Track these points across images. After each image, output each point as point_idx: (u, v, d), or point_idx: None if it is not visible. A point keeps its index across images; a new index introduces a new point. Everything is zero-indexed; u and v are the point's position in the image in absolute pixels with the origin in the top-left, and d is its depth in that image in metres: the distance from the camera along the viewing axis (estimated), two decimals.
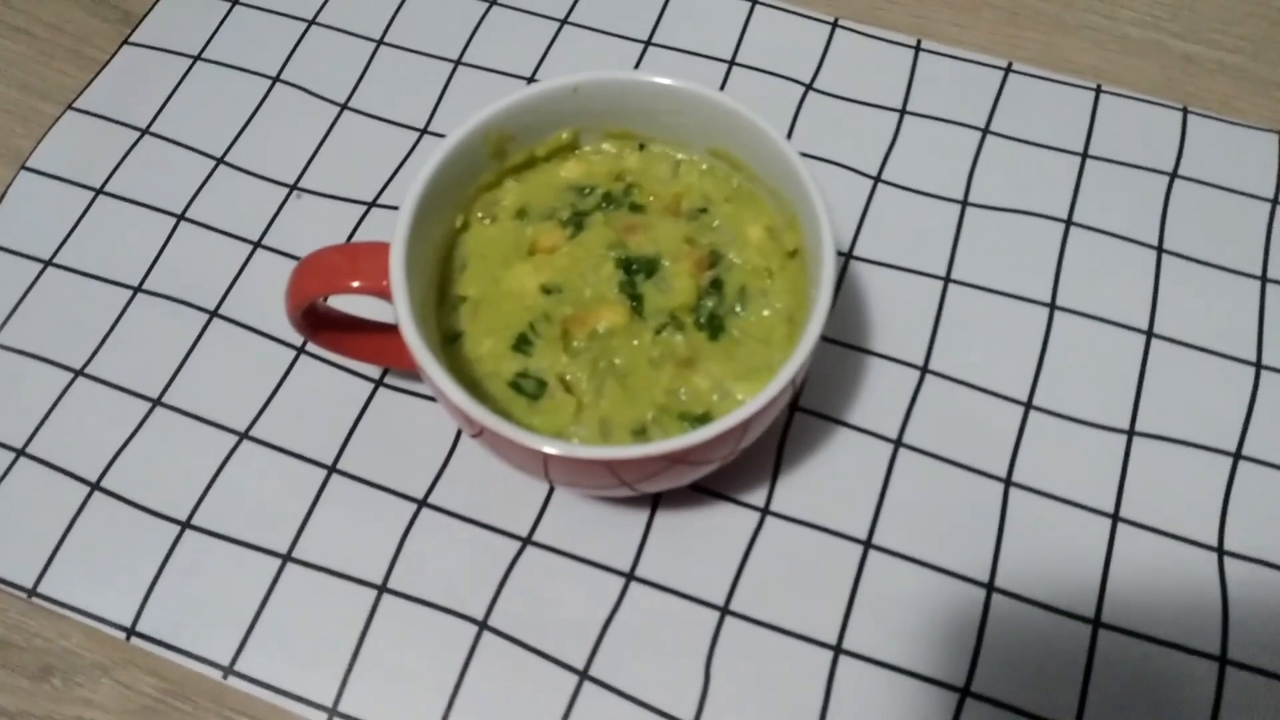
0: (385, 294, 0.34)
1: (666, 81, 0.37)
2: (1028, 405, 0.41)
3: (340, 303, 0.38)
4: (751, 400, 0.32)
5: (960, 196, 0.46)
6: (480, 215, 0.39)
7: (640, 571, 0.39)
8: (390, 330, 0.40)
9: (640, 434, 0.35)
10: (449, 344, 0.37)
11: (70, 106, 0.50)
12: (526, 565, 0.39)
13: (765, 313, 0.36)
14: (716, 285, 0.37)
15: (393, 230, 0.34)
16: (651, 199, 0.39)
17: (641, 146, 0.40)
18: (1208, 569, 0.38)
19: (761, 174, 0.37)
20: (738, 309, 0.37)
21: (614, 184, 0.39)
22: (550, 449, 0.31)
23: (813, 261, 0.35)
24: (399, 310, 0.33)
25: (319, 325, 0.38)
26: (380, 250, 0.34)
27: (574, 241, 0.38)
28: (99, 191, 0.47)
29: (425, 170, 0.35)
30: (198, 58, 0.51)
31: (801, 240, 0.36)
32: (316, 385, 0.42)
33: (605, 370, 0.36)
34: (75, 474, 0.41)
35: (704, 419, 0.35)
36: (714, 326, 0.36)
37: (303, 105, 0.49)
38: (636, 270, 0.37)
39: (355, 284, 0.35)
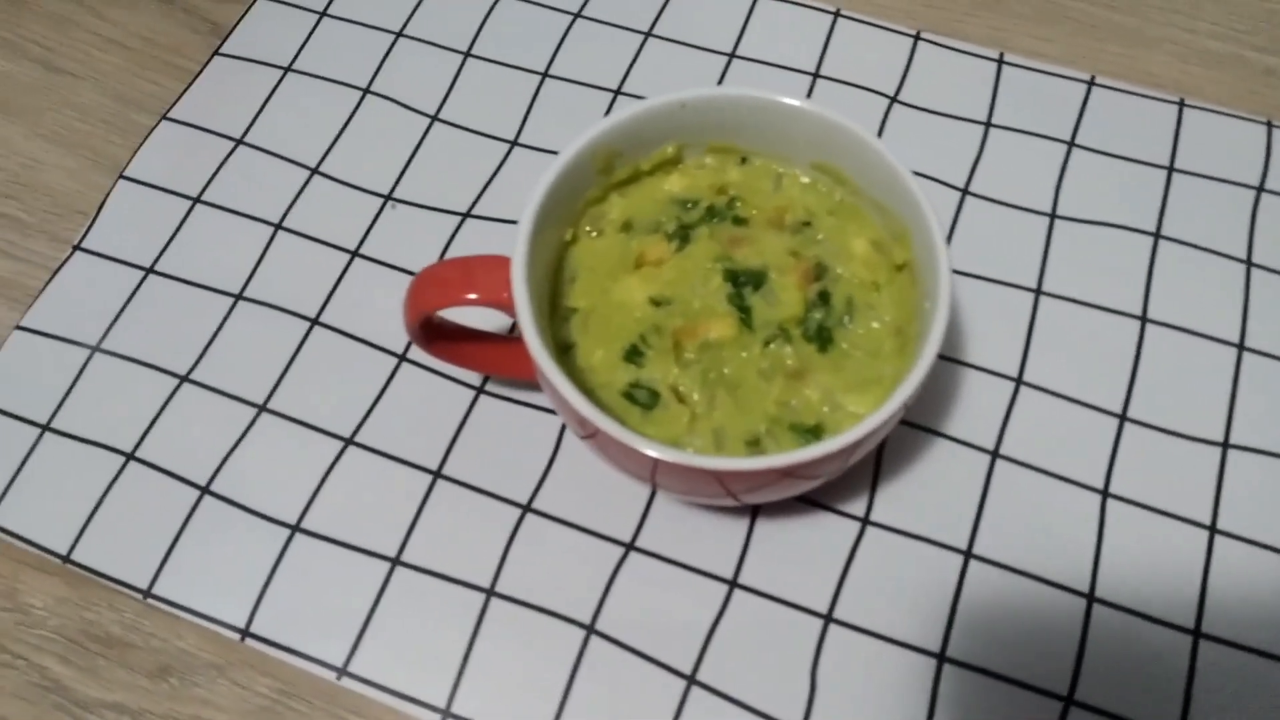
0: (503, 305, 0.35)
1: (773, 97, 0.38)
2: (1122, 417, 0.42)
3: (452, 313, 0.39)
4: (870, 416, 0.32)
5: (1048, 209, 0.46)
6: (588, 229, 0.39)
7: (743, 579, 0.39)
8: (499, 340, 0.41)
9: (754, 444, 0.35)
10: (561, 355, 0.37)
11: (165, 117, 0.51)
12: (630, 570, 0.40)
13: (874, 325, 0.37)
14: (824, 298, 0.38)
15: (499, 242, 0.36)
16: (754, 212, 0.40)
17: (743, 160, 0.40)
18: None
19: (866, 188, 0.38)
20: (846, 321, 0.37)
21: (717, 197, 0.40)
22: (664, 455, 0.32)
23: (924, 274, 0.35)
24: (522, 320, 0.34)
25: (434, 336, 0.38)
26: (495, 263, 0.35)
27: (680, 254, 0.38)
28: (196, 200, 0.48)
29: (540, 186, 0.36)
30: (288, 69, 0.52)
31: (910, 254, 0.37)
32: (419, 392, 0.43)
33: (716, 381, 0.36)
34: (185, 478, 0.42)
35: (815, 430, 0.35)
36: (822, 339, 0.37)
37: (393, 116, 0.50)
38: (744, 282, 0.38)
39: (472, 296, 0.35)
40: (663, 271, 0.38)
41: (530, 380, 0.40)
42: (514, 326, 0.44)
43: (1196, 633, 0.38)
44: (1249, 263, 0.45)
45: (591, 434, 0.34)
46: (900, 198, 0.36)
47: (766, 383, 0.36)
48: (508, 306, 0.35)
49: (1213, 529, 0.40)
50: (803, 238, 0.39)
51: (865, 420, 0.32)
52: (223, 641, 0.40)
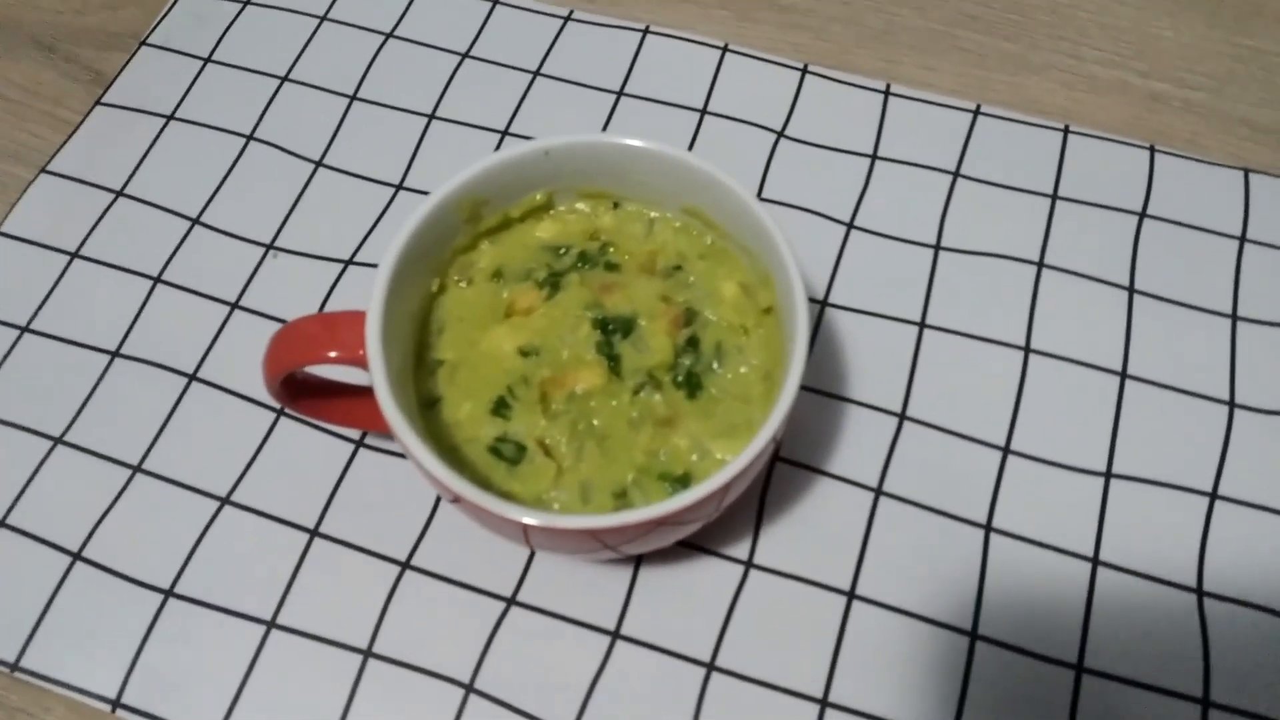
0: (362, 363, 0.34)
1: (636, 143, 0.37)
2: (1005, 450, 0.42)
3: (319, 367, 0.38)
4: (733, 461, 0.32)
5: (933, 241, 0.46)
6: (456, 278, 0.39)
7: (626, 629, 0.39)
8: (370, 394, 0.39)
9: (621, 496, 0.35)
10: (428, 409, 0.37)
11: (43, 169, 0.50)
12: (512, 626, 0.39)
13: (742, 369, 0.37)
14: (693, 343, 0.37)
15: (369, 295, 0.34)
16: (626, 257, 0.39)
17: (615, 205, 0.40)
18: (1188, 610, 0.39)
19: (733, 232, 0.38)
20: (715, 366, 0.37)
21: (589, 243, 0.40)
22: (529, 519, 0.32)
23: (786, 319, 0.35)
24: (375, 380, 0.33)
25: (297, 393, 0.38)
26: (356, 319, 0.35)
27: (550, 302, 0.38)
28: (74, 255, 0.47)
29: (398, 239, 0.35)
30: (171, 117, 0.51)
31: (775, 297, 0.36)
32: (297, 448, 0.42)
33: (584, 432, 0.36)
34: (56, 544, 0.41)
35: (684, 479, 0.35)
36: (692, 385, 0.37)
37: (277, 163, 0.49)
38: (613, 330, 0.37)
39: (333, 354, 0.35)
40: (532, 321, 0.38)
41: None
42: None
43: (1079, 667, 0.38)
44: (1131, 289, 0.45)
45: (454, 498, 0.33)
46: (761, 241, 0.36)
47: (635, 432, 0.36)
48: (366, 364, 0.34)
49: (1095, 560, 0.39)
50: (674, 282, 0.38)
51: (729, 464, 0.32)
52: (93, 714, 0.38)
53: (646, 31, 0.53)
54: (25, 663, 0.39)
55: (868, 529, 0.40)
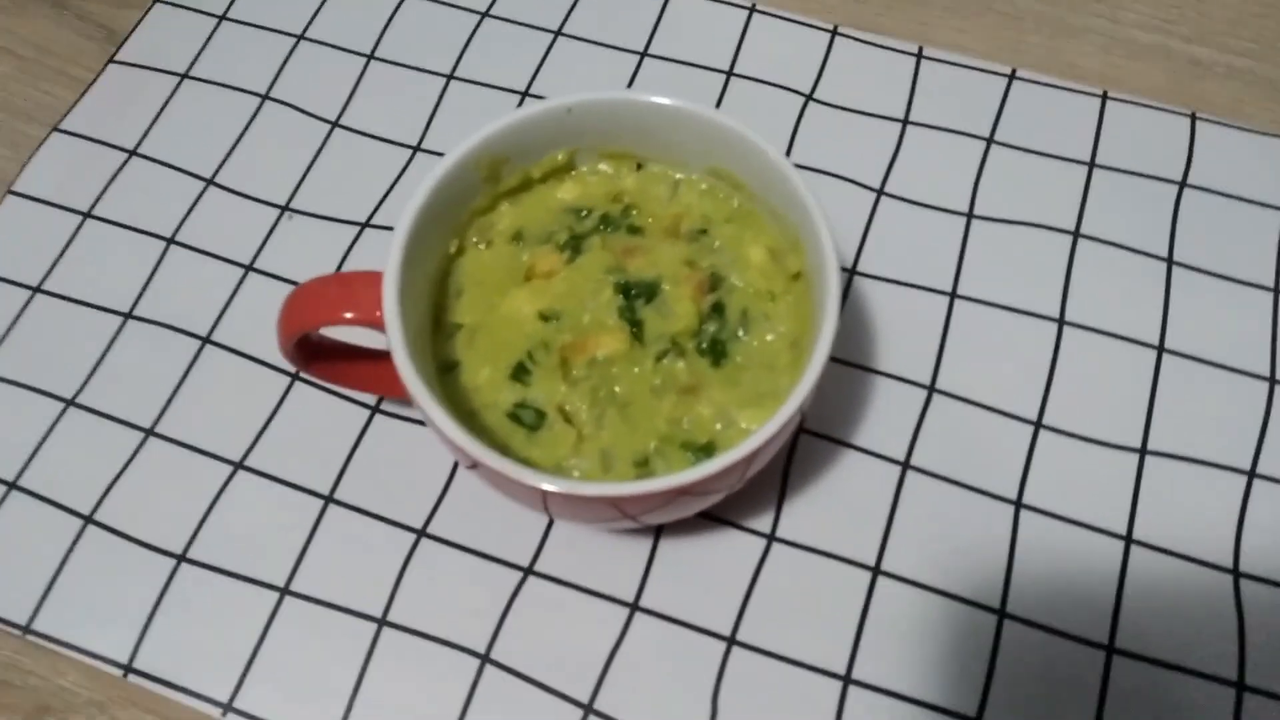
0: (379, 324, 0.33)
1: (662, 101, 0.36)
2: (1038, 424, 0.40)
3: (334, 331, 0.37)
4: (758, 431, 0.31)
5: (965, 209, 0.45)
6: (475, 240, 0.38)
7: (645, 601, 0.38)
8: (386, 358, 0.39)
9: (643, 465, 0.34)
10: (445, 373, 0.36)
11: (56, 128, 0.49)
12: (528, 596, 0.38)
13: (769, 337, 0.36)
14: (718, 309, 0.36)
15: (386, 257, 0.33)
16: (650, 220, 0.38)
17: (639, 166, 0.39)
18: (1223, 591, 0.37)
19: (762, 194, 0.37)
20: (740, 333, 0.36)
21: (611, 205, 0.38)
22: (549, 485, 0.31)
23: (817, 285, 0.34)
24: (392, 342, 0.32)
25: (312, 356, 0.37)
26: (373, 279, 0.34)
27: (572, 266, 0.37)
28: (87, 215, 0.46)
29: (416, 198, 0.34)
30: (185, 76, 0.50)
31: (805, 263, 0.35)
32: (311, 412, 0.42)
33: (606, 399, 0.35)
34: (68, 507, 0.40)
35: (708, 448, 0.34)
36: (716, 352, 0.35)
37: (293, 123, 0.48)
38: (636, 295, 0.36)
39: (348, 315, 0.34)
40: (552, 284, 0.36)
41: None
42: None
43: (1110, 648, 0.37)
44: (1170, 260, 0.44)
45: (472, 464, 0.33)
46: (792, 204, 0.35)
47: (658, 400, 0.35)
48: (382, 325, 0.33)
49: (1129, 539, 0.38)
50: (698, 246, 0.37)
51: (754, 434, 0.31)
52: (105, 678, 0.38)
53: None
54: (37, 625, 0.38)
55: (894, 503, 0.39)
